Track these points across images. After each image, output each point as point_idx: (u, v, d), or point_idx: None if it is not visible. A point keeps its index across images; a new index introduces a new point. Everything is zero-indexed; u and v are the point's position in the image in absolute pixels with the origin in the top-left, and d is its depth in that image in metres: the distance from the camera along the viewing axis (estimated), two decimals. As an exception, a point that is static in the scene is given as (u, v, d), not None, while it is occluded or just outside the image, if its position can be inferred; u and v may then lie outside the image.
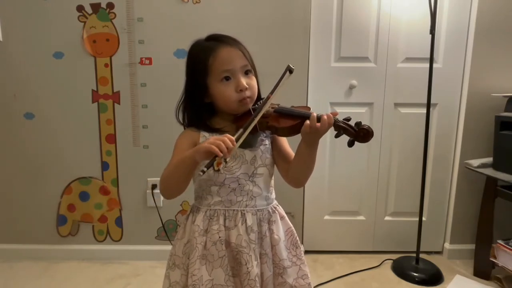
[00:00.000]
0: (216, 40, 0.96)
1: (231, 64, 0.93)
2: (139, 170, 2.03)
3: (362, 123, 0.85)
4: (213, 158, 0.80)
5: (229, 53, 0.94)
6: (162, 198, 2.04)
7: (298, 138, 0.93)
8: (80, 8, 1.88)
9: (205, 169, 0.80)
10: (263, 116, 0.90)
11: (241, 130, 0.85)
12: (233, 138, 0.81)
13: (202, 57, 0.94)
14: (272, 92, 0.88)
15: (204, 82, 0.95)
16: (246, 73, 0.95)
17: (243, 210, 0.96)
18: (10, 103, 1.98)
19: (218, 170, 0.82)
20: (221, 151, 0.78)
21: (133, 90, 1.97)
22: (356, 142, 0.86)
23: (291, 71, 0.87)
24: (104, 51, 1.93)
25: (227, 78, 0.93)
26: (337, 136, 0.88)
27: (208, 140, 0.82)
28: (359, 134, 0.84)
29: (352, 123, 0.86)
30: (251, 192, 0.97)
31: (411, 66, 2.00)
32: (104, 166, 2.04)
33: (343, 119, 0.87)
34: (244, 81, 0.93)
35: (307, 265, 1.05)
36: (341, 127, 0.86)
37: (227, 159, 0.81)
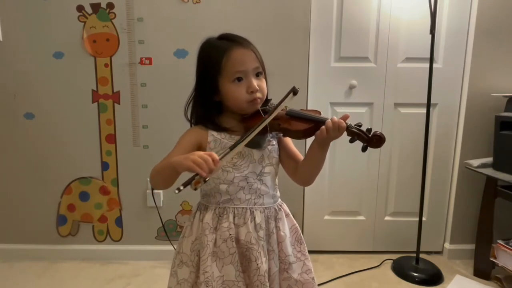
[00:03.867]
0: (229, 40, 0.97)
1: (244, 66, 0.94)
2: (139, 170, 2.03)
3: (373, 130, 0.87)
4: (193, 176, 0.80)
5: (243, 54, 0.94)
6: (162, 198, 2.04)
7: (302, 139, 0.93)
8: (80, 8, 1.88)
9: (181, 187, 0.79)
10: (275, 118, 0.91)
11: (227, 150, 0.85)
12: (218, 158, 0.80)
13: (214, 56, 0.95)
14: (270, 114, 0.89)
15: (215, 81, 0.96)
16: (257, 75, 0.97)
17: (252, 208, 0.98)
18: (10, 103, 1.98)
19: (196, 189, 0.81)
20: (203, 171, 0.78)
21: (133, 90, 1.97)
22: (369, 148, 0.88)
23: (295, 93, 0.88)
24: (104, 51, 1.93)
25: (239, 79, 0.94)
26: (351, 141, 0.90)
27: (193, 154, 0.80)
28: (372, 140, 0.87)
29: (363, 129, 0.88)
30: (259, 190, 0.99)
31: (411, 66, 2.00)
32: (104, 166, 2.04)
33: (355, 125, 0.89)
34: (255, 82, 0.94)
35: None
36: (355, 133, 0.88)
37: (207, 180, 0.81)
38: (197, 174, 0.79)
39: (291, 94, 0.88)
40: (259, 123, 0.88)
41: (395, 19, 1.97)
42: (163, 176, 0.93)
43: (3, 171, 2.05)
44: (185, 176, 0.81)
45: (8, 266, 2.03)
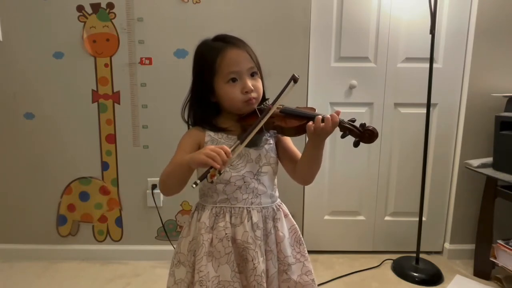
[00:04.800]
0: (224, 41, 0.97)
1: (238, 66, 0.94)
2: (139, 170, 2.03)
3: (367, 125, 0.87)
4: (207, 170, 0.81)
5: (237, 55, 0.95)
6: (162, 198, 2.04)
7: (301, 138, 0.93)
8: (80, 8, 1.88)
9: (198, 181, 0.81)
10: (270, 116, 0.91)
11: (238, 142, 0.87)
12: (229, 150, 0.82)
13: (209, 57, 0.96)
14: (274, 102, 0.90)
15: (210, 82, 0.96)
16: (252, 75, 0.97)
17: (249, 207, 0.98)
18: (10, 103, 1.98)
19: (212, 182, 0.82)
20: (217, 163, 0.79)
21: (133, 90, 1.97)
22: (361, 143, 0.87)
23: (295, 81, 0.89)
24: (104, 51, 1.93)
25: (233, 80, 0.95)
26: (343, 136, 0.89)
27: (205, 149, 0.83)
28: (365, 135, 0.86)
29: (357, 124, 0.88)
30: (256, 190, 0.98)
31: (411, 66, 2.00)
32: (104, 166, 2.04)
33: (348, 120, 0.88)
34: (250, 83, 0.95)
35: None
36: (347, 128, 0.87)
37: (222, 172, 0.82)
38: (211, 167, 0.80)
39: (292, 82, 0.89)
40: (260, 119, 0.89)
41: (395, 19, 1.97)
42: (176, 177, 0.93)
43: (3, 171, 2.05)
44: (194, 176, 0.82)
45: (8, 266, 2.03)
